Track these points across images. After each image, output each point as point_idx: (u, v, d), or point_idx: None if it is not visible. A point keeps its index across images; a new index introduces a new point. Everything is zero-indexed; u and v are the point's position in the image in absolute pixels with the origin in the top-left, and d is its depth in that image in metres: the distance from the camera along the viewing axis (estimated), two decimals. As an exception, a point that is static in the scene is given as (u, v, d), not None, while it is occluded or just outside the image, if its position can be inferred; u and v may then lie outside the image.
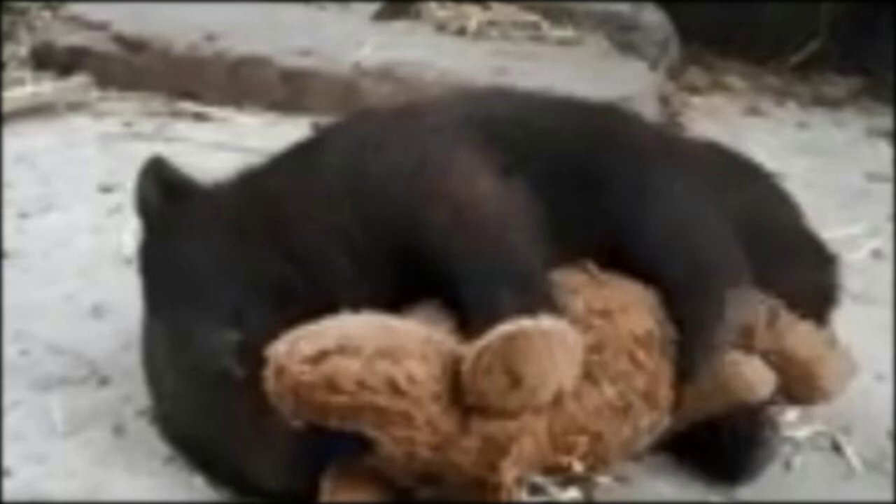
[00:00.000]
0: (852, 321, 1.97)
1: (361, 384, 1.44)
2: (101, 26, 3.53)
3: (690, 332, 1.68)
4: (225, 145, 2.96)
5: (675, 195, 1.81)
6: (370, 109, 2.41)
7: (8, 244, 2.32)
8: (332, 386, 1.43)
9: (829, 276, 1.97)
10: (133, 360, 1.74)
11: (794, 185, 2.13)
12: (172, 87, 3.42)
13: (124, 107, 3.32)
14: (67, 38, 3.54)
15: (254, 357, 1.50)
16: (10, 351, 1.93)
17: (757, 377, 1.70)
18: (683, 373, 1.68)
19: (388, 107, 2.15)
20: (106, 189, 2.65)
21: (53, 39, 3.57)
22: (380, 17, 3.95)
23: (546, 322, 1.47)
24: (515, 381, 1.45)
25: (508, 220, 1.69)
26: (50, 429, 1.73)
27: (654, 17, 4.18)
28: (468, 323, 1.56)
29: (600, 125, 1.92)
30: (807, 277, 1.92)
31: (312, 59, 3.44)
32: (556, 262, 1.69)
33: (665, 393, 1.67)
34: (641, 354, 1.65)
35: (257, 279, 1.65)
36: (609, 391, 1.62)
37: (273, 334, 1.49)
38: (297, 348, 1.46)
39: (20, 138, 2.94)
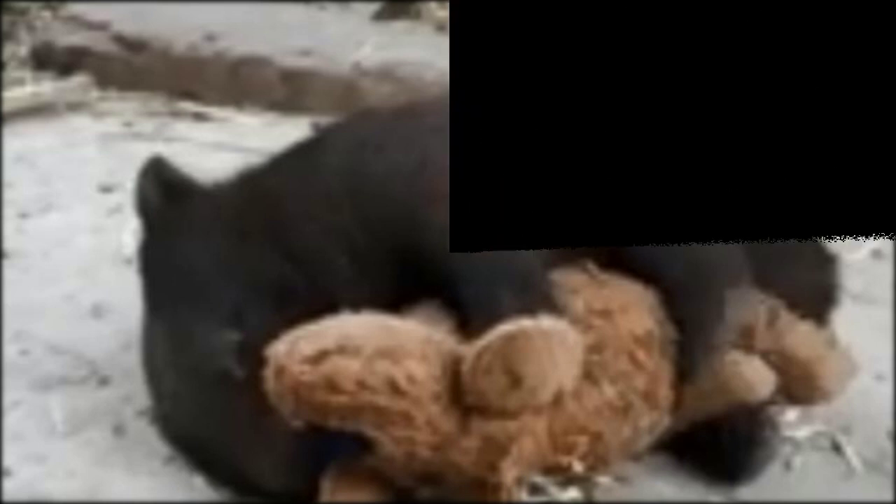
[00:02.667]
0: (852, 321, 1.97)
1: (361, 384, 1.43)
2: (101, 26, 3.54)
3: (690, 332, 1.68)
4: (225, 145, 2.96)
5: (675, 195, 1.81)
6: (370, 109, 2.42)
7: (8, 244, 2.32)
8: (332, 386, 1.43)
9: (829, 276, 1.96)
10: (133, 360, 1.74)
11: (794, 185, 2.13)
12: (172, 87, 3.42)
13: (124, 107, 3.32)
14: (67, 38, 3.55)
15: (254, 357, 1.50)
16: (10, 351, 1.93)
17: (757, 377, 1.70)
18: (683, 373, 1.67)
19: (388, 107, 2.15)
20: (106, 189, 2.65)
21: (53, 39, 3.58)
22: (380, 17, 3.95)
23: (546, 322, 1.47)
24: (515, 381, 1.45)
25: (508, 220, 1.68)
26: (50, 429, 1.73)
27: (654, 17, 4.18)
28: (468, 323, 1.56)
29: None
30: (807, 277, 1.91)
31: (312, 59, 3.45)
32: (556, 262, 1.69)
33: (665, 393, 1.67)
34: (641, 354, 1.65)
35: (257, 279, 1.65)
36: (609, 391, 1.62)
37: (273, 334, 1.49)
38: (297, 348, 1.45)
39: (20, 138, 2.94)
